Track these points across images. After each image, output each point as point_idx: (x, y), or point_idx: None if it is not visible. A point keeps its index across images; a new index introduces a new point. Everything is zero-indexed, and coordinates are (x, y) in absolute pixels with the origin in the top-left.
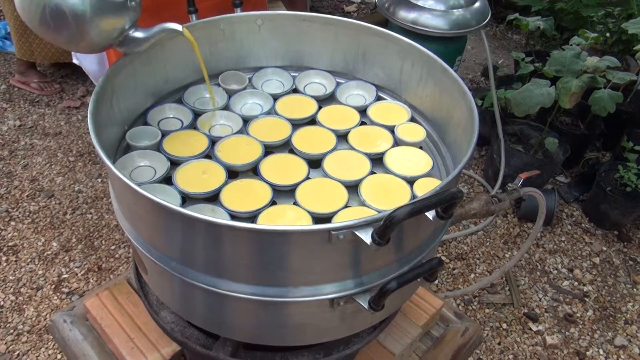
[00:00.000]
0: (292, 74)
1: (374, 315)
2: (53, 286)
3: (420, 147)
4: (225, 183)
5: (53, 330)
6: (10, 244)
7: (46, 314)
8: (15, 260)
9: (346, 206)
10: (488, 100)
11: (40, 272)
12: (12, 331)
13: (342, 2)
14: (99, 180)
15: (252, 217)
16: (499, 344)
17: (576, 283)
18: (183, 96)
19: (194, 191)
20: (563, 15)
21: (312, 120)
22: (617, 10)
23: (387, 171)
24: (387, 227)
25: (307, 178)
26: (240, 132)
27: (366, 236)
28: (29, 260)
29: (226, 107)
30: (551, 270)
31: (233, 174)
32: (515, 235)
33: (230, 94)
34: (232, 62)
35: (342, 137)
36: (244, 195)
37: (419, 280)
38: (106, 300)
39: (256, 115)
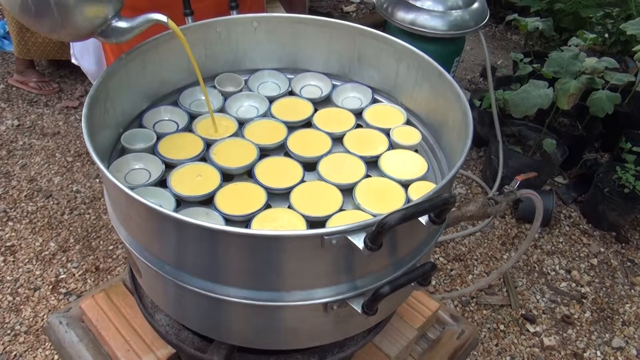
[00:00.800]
0: (289, 76)
1: (368, 319)
2: (51, 287)
3: (416, 150)
4: (220, 186)
5: (49, 331)
6: (7, 244)
7: (43, 315)
8: (13, 261)
9: (341, 210)
10: (486, 101)
11: (37, 273)
12: (9, 332)
13: (341, 2)
14: (97, 180)
15: (247, 220)
16: (497, 345)
17: (574, 284)
18: (178, 99)
19: (189, 194)
20: (562, 15)
21: (307, 123)
22: (616, 11)
23: (382, 174)
24: (379, 232)
25: (302, 181)
26: (235, 134)
27: (359, 241)
28: (26, 260)
29: (222, 110)
30: (549, 271)
31: (228, 177)
32: (513, 237)
33: (226, 96)
34: (228, 65)
35: (337, 140)
36: (238, 199)
37: (412, 284)
38: (102, 302)
39: (252, 118)
